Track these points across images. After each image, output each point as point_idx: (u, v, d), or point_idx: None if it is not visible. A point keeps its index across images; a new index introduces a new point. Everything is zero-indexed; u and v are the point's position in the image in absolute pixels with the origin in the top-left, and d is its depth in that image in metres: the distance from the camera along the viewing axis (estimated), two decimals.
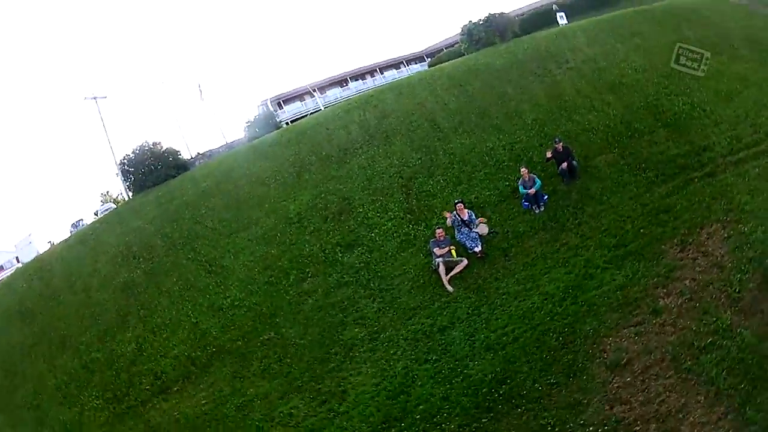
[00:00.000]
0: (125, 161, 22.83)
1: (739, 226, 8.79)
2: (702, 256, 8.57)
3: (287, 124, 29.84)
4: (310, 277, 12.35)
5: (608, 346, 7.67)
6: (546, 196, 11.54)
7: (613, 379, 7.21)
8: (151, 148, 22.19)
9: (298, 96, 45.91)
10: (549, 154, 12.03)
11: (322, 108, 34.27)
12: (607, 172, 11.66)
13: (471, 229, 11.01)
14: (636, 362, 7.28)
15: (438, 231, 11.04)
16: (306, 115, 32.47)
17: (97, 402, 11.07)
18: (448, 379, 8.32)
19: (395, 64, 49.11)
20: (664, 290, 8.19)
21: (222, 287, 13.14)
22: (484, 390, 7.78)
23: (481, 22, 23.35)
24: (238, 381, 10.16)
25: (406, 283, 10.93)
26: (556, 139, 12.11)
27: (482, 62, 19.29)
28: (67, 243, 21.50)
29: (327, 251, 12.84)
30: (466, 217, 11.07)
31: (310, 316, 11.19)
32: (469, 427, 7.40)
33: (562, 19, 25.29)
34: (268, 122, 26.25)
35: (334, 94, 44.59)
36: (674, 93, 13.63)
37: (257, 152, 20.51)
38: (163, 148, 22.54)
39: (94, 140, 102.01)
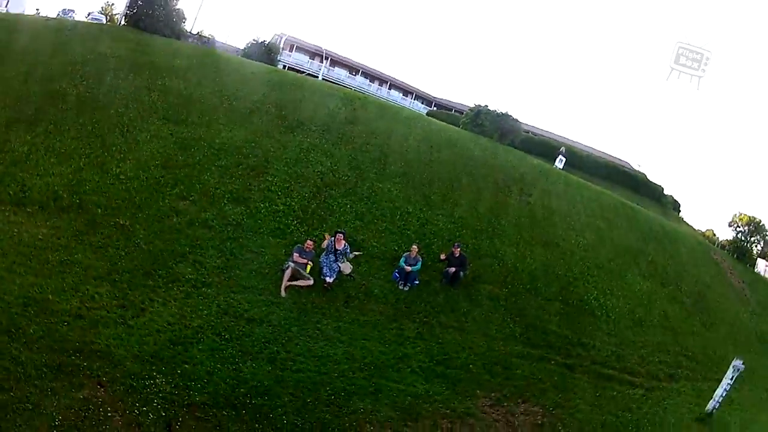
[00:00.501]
0: None
1: None
2: None
3: (284, 67, 29.46)
4: (190, 200, 12.38)
5: None
6: (417, 282, 12.17)
7: None
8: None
9: (310, 52, 45.50)
10: (443, 256, 12.69)
11: (320, 78, 34.28)
12: (485, 303, 12.51)
13: (338, 260, 11.50)
14: None
15: (308, 242, 11.42)
16: (304, 73, 32.33)
17: None
18: (225, 357, 8.68)
19: (405, 90, 50.02)
20: None
21: (121, 155, 13.02)
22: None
23: (494, 113, 24.20)
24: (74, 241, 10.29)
25: (254, 262, 11.22)
26: (456, 244, 12.83)
27: (466, 144, 20.17)
28: (44, 22, 20.80)
29: (219, 190, 12.92)
30: (340, 248, 11.50)
31: (164, 230, 11.30)
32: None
33: (560, 162, 26.34)
34: (268, 55, 25.85)
35: (339, 74, 44.64)
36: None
37: (240, 68, 20.31)
38: (177, 7, 21.80)
39: None
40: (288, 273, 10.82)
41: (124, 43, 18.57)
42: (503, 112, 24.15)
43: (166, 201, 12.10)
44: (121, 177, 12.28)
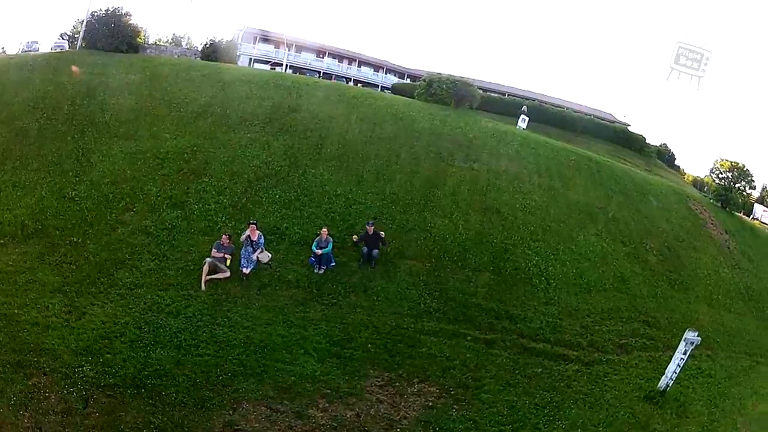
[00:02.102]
0: (94, 16, 23.60)
1: None
2: None
3: (250, 60, 30.03)
4: (134, 211, 14.16)
5: None
6: (333, 263, 13.10)
7: None
8: (119, 15, 22.98)
9: (275, 42, 45.56)
10: (356, 238, 13.35)
11: (284, 64, 34.81)
12: (403, 279, 12.97)
13: (254, 250, 12.81)
14: None
15: (224, 237, 12.62)
16: (269, 63, 33.08)
17: None
18: (140, 347, 10.22)
19: (376, 66, 49.58)
20: None
21: (77, 178, 14.80)
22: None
23: (447, 80, 24.05)
24: (38, 263, 12.03)
25: (182, 261, 12.83)
26: (369, 222, 13.49)
27: (413, 117, 20.34)
28: (8, 61, 22.82)
29: (160, 198, 14.61)
30: (255, 239, 12.63)
31: (110, 242, 13.09)
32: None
33: (523, 121, 25.71)
34: (228, 52, 26.98)
35: (306, 59, 44.81)
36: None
37: (190, 71, 21.55)
38: (131, 22, 23.35)
39: None
40: (205, 268, 12.20)
41: (81, 68, 20.26)
42: (458, 77, 24.06)
43: (114, 215, 13.93)
44: (76, 199, 14.18)
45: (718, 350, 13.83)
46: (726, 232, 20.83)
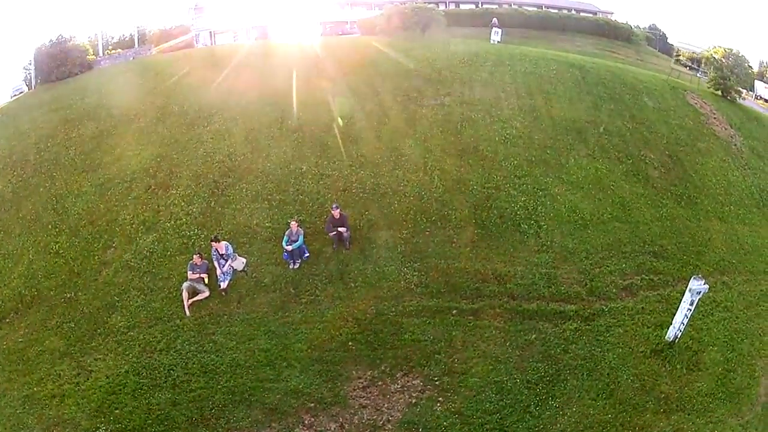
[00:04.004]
0: (40, 51, 22.94)
1: None
2: None
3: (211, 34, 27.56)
4: (114, 247, 14.05)
5: None
6: (308, 255, 12.45)
7: None
8: (62, 42, 22.06)
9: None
10: (326, 228, 12.38)
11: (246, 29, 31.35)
12: (380, 256, 12.05)
13: (228, 262, 12.34)
14: None
15: (195, 257, 12.24)
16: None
17: None
18: (140, 393, 10.42)
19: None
20: None
21: (57, 230, 14.72)
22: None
23: (409, 9, 21.78)
24: (42, 330, 12.20)
25: (165, 290, 12.61)
26: (334, 205, 12.50)
27: (375, 61, 18.18)
28: None
29: (134, 225, 14.32)
30: (223, 251, 12.16)
31: (98, 287, 13.07)
32: None
33: (496, 35, 23.69)
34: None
35: None
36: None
37: (143, 74, 20.35)
38: (76, 43, 22.39)
39: None
40: (185, 294, 11.97)
41: (39, 109, 19.77)
42: (420, 4, 21.11)
43: (96, 257, 13.80)
44: (60, 251, 14.10)
45: (735, 274, 12.08)
46: (731, 126, 18.08)
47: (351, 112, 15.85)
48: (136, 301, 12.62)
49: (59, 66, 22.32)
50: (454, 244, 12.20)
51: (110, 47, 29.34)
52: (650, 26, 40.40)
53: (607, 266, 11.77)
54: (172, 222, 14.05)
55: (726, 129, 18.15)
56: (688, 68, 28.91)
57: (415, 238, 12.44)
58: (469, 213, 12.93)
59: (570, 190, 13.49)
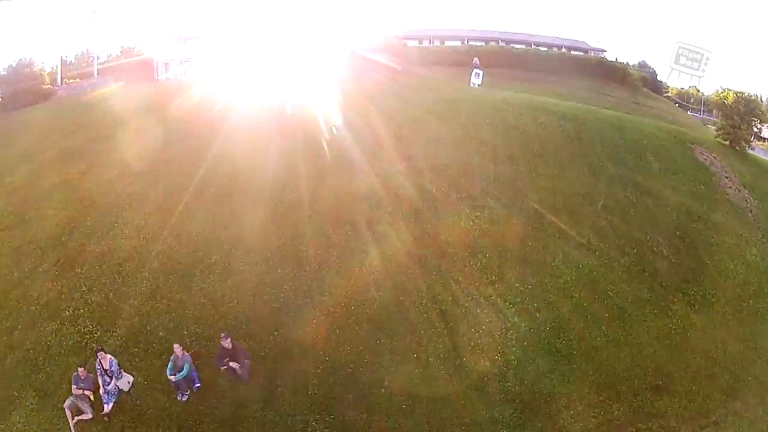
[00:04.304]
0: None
1: None
2: None
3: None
4: (18, 330, 12.97)
5: None
6: (198, 384, 11.05)
7: None
8: (24, 67, 20.47)
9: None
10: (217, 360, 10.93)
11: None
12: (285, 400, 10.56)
13: (111, 379, 11.04)
14: None
15: (79, 369, 11.02)
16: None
17: None
18: None
19: None
20: None
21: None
22: None
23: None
24: None
25: (56, 396, 11.51)
26: (223, 335, 10.93)
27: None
28: None
29: (38, 307, 13.11)
30: (107, 366, 10.96)
31: (4, 376, 12.10)
32: None
33: (476, 77, 21.61)
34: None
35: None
36: None
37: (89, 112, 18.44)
38: (34, 70, 20.74)
39: None
40: (68, 413, 10.94)
41: None
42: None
43: (3, 338, 12.77)
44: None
45: (748, 395, 9.60)
46: (744, 187, 15.48)
47: (285, 176, 13.79)
48: (32, 404, 11.91)
49: (17, 94, 21.38)
50: (383, 391, 10.11)
51: (67, 78, 27.28)
52: (640, 63, 39.69)
53: (592, 417, 9.52)
54: (71, 311, 13.03)
55: (739, 191, 15.65)
56: (678, 105, 25.87)
57: (332, 377, 10.34)
58: (410, 342, 10.54)
59: (554, 303, 10.88)
